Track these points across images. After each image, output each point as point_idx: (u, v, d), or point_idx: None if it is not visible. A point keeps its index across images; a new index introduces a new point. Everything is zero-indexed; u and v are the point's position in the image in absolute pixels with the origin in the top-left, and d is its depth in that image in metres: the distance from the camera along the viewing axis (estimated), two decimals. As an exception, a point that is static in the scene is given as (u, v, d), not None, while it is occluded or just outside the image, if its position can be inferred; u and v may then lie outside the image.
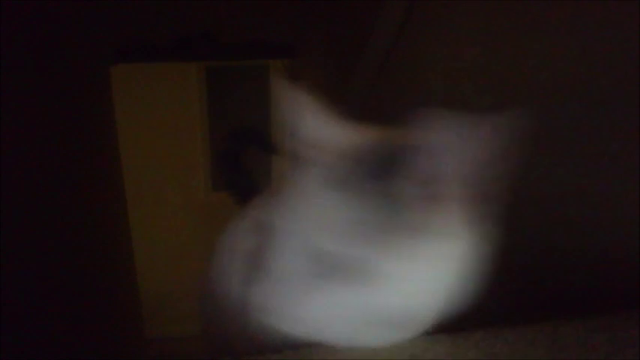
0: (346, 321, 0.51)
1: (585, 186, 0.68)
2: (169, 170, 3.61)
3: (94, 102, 2.89)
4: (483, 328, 0.49)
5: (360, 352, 0.48)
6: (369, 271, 0.49)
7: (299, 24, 2.76)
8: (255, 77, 3.64)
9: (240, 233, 0.64)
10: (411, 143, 0.50)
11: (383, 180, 0.49)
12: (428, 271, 0.54)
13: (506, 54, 0.86)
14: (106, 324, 1.83)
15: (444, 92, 1.08)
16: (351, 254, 0.48)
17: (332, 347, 0.51)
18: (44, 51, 2.16)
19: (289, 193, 0.51)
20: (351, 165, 0.49)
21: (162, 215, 3.43)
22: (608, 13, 0.64)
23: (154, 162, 3.53)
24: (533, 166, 0.80)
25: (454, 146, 0.49)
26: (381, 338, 0.52)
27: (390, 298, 0.51)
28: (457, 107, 0.99)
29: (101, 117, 3.07)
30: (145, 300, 2.41)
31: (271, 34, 2.99)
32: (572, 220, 0.71)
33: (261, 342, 0.54)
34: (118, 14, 2.51)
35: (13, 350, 0.68)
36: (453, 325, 0.51)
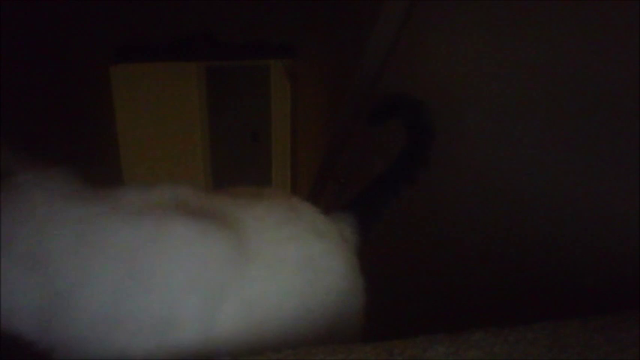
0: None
1: (585, 186, 0.69)
2: (169, 169, 3.61)
3: (94, 102, 2.89)
4: (483, 328, 0.49)
5: (359, 351, 0.48)
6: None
7: (299, 24, 2.76)
8: (255, 77, 3.65)
9: None
10: None
11: None
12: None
13: (507, 54, 0.86)
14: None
15: (444, 92, 1.08)
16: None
17: (332, 347, 0.51)
18: (44, 51, 2.16)
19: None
20: None
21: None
22: (608, 13, 0.64)
23: (154, 161, 3.54)
24: (533, 165, 0.80)
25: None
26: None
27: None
28: (457, 107, 0.99)
29: (101, 117, 3.07)
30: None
31: (271, 34, 2.99)
32: (572, 219, 0.71)
33: None
34: (118, 14, 2.51)
35: None
36: (453, 325, 0.51)
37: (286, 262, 0.65)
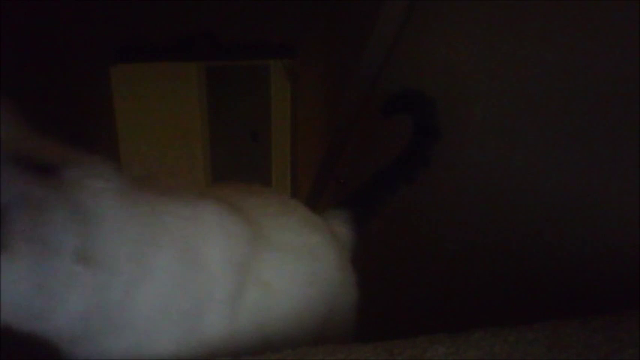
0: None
1: (585, 186, 0.69)
2: (169, 169, 3.61)
3: (94, 102, 2.89)
4: (483, 328, 0.49)
5: (359, 351, 0.48)
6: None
7: (299, 24, 2.76)
8: (255, 77, 3.64)
9: None
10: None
11: None
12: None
13: (506, 54, 0.86)
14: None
15: (443, 91, 1.08)
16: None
17: (332, 347, 0.51)
18: (45, 51, 2.16)
19: None
20: None
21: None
22: (608, 13, 0.64)
23: (154, 161, 3.53)
24: (533, 165, 0.80)
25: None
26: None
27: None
28: (456, 106, 0.99)
29: (101, 117, 3.07)
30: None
31: (271, 34, 2.98)
32: (572, 219, 0.71)
33: None
34: (118, 14, 2.51)
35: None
36: (453, 325, 0.50)
37: (290, 248, 0.66)
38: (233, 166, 3.80)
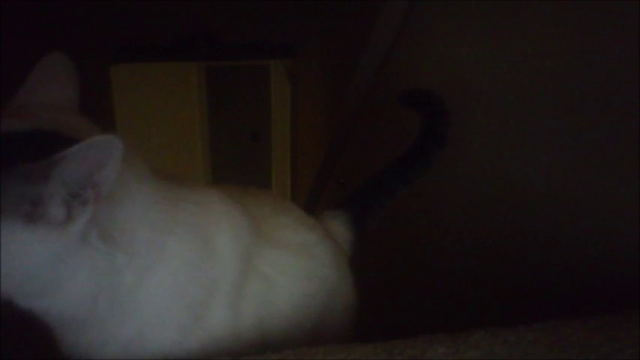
0: None
1: (585, 186, 0.69)
2: (169, 169, 3.61)
3: (94, 102, 2.88)
4: (483, 328, 0.49)
5: (359, 352, 0.48)
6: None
7: (299, 24, 2.76)
8: (255, 77, 3.64)
9: None
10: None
11: None
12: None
13: (506, 54, 0.86)
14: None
15: (444, 92, 1.08)
16: None
17: (332, 347, 0.51)
18: (44, 51, 2.15)
19: None
20: None
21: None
22: (608, 13, 0.64)
23: (153, 161, 3.53)
24: (533, 165, 0.80)
25: None
26: None
27: None
28: (455, 107, 0.99)
29: (101, 116, 3.07)
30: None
31: (271, 34, 2.98)
32: (572, 219, 0.71)
33: None
34: (118, 14, 2.51)
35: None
36: (453, 325, 0.51)
37: (289, 246, 0.67)
38: (233, 166, 3.80)
